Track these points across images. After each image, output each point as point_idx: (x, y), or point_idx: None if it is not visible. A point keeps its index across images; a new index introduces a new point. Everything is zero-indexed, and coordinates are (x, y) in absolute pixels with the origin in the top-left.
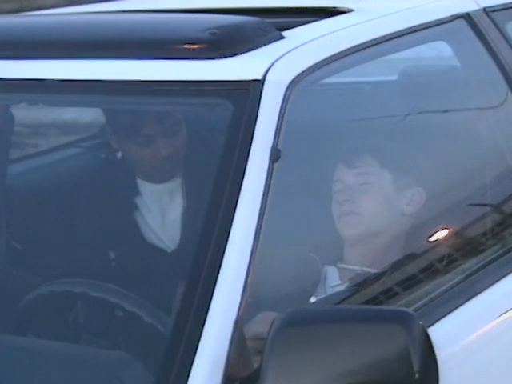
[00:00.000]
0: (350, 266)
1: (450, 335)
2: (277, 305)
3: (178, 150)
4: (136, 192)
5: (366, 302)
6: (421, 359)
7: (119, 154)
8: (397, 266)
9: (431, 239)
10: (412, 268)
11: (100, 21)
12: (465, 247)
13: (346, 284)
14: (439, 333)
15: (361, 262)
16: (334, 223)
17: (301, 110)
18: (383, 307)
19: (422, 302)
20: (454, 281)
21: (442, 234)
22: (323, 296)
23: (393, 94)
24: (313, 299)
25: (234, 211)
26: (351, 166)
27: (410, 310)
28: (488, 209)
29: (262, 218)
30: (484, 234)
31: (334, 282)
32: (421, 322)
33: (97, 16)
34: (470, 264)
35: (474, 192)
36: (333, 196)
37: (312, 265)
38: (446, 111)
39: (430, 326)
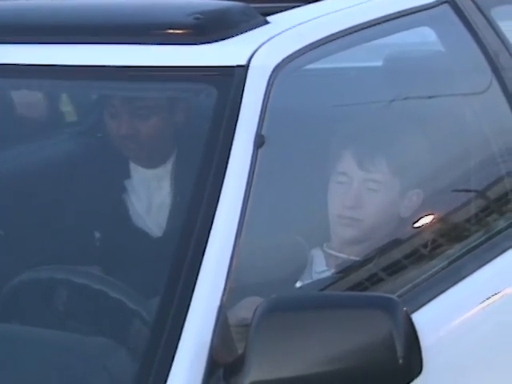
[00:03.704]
0: (337, 253)
1: (434, 321)
2: (262, 290)
3: (144, 135)
4: (127, 175)
5: (352, 288)
6: (404, 345)
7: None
8: (382, 252)
9: (415, 225)
10: (397, 254)
11: (80, 5)
12: (449, 233)
13: (332, 270)
14: (423, 319)
15: (348, 252)
16: (321, 207)
17: (285, 96)
18: (367, 293)
19: (406, 288)
20: (439, 266)
21: (426, 219)
22: (309, 281)
23: (378, 80)
24: (298, 284)
25: (219, 197)
26: (364, 168)
27: (393, 296)
28: (472, 194)
29: (247, 203)
30: (468, 220)
31: (321, 267)
32: (405, 308)
33: (77, 0)
34: (455, 250)
35: (459, 178)
36: (332, 184)
37: (299, 249)
38: (430, 97)
39: (413, 311)
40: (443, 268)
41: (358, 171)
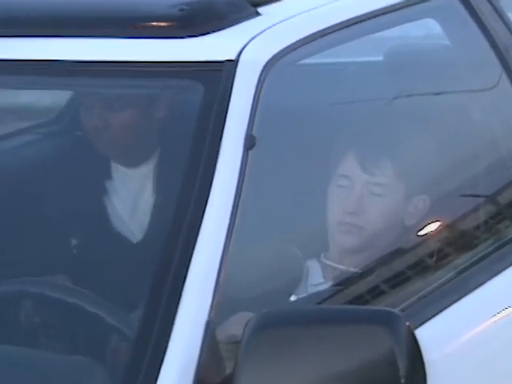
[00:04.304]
0: (335, 264)
1: (440, 337)
2: (253, 304)
3: (123, 132)
4: (107, 176)
5: (350, 302)
6: (407, 363)
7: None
8: (384, 262)
9: (420, 233)
10: (400, 264)
11: None
12: (456, 241)
13: (330, 282)
14: (427, 334)
15: (348, 263)
16: (318, 213)
17: (278, 93)
18: (366, 307)
19: (409, 301)
20: (445, 278)
21: (431, 227)
22: (304, 295)
23: (379, 76)
24: (293, 298)
25: (206, 202)
26: (367, 171)
27: (395, 310)
28: (481, 200)
29: (237, 210)
30: (477, 228)
31: (317, 279)
32: (407, 323)
33: None
34: (462, 260)
35: (466, 182)
36: (332, 188)
37: (293, 260)
38: (436, 95)
39: (417, 326)
40: (450, 279)
41: (360, 174)
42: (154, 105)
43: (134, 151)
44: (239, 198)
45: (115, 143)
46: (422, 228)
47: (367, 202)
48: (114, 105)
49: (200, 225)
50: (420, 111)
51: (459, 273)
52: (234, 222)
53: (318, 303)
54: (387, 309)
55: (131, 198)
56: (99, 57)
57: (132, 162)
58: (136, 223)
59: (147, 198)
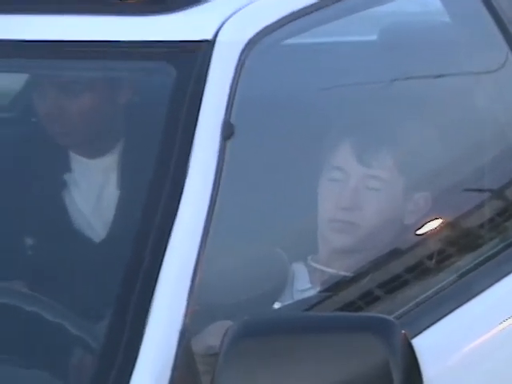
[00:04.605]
0: (324, 267)
1: (440, 347)
2: (232, 312)
3: (82, 119)
4: (67, 168)
5: (341, 309)
6: (403, 376)
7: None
8: (379, 265)
9: (420, 232)
10: (396, 267)
11: None
12: (459, 241)
13: (318, 288)
14: (426, 344)
15: (338, 266)
16: (306, 210)
17: (260, 77)
18: (358, 314)
19: (406, 307)
20: (446, 281)
21: (431, 225)
22: (290, 302)
23: (373, 58)
24: (277, 305)
25: (179, 198)
26: (364, 163)
27: (389, 317)
28: (486, 196)
29: (214, 206)
30: (482, 225)
31: (304, 284)
32: (403, 331)
33: None
34: (465, 261)
35: (470, 176)
36: (324, 182)
37: (277, 263)
38: (435, 77)
39: (414, 336)
40: (451, 283)
41: (356, 166)
42: (119, 89)
43: (95, 140)
44: (216, 193)
45: (73, 131)
46: (422, 227)
47: (363, 196)
48: (72, 89)
49: (172, 223)
50: (418, 96)
51: (462, 276)
52: (211, 219)
53: (305, 310)
54: (381, 315)
55: (94, 193)
56: (57, 36)
57: (94, 152)
58: (99, 221)
59: (112, 193)
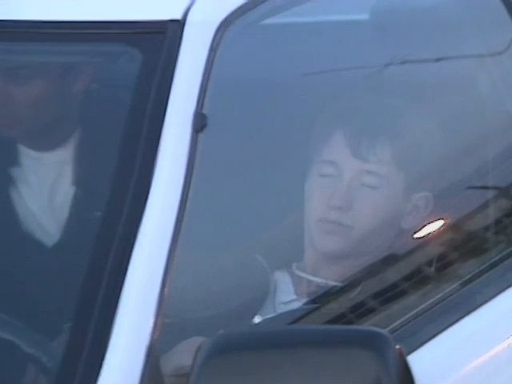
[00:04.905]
0: (311, 277)
1: (439, 364)
2: (206, 327)
3: (30, 107)
4: (14, 162)
5: (330, 323)
6: None
7: None
8: (373, 273)
9: (419, 237)
10: (392, 275)
11: None
12: (461, 245)
13: (304, 299)
14: (424, 360)
15: (327, 275)
16: (290, 211)
17: (236, 62)
18: (348, 327)
19: (402, 319)
20: (446, 291)
21: (430, 227)
22: (272, 315)
23: (364, 39)
24: (257, 319)
25: (146, 198)
26: (359, 157)
27: (383, 330)
28: (491, 194)
29: (184, 207)
30: (487, 228)
31: (288, 296)
32: (398, 346)
33: None
34: (468, 268)
35: (473, 172)
36: (313, 178)
37: (257, 271)
38: (436, 60)
39: (411, 351)
40: (452, 293)
41: (350, 159)
42: (75, 75)
43: (47, 132)
44: (187, 192)
45: (22, 122)
46: (421, 230)
47: (358, 195)
48: (20, 75)
49: (138, 225)
50: (418, 82)
51: (463, 285)
52: (181, 222)
53: (290, 324)
54: (373, 328)
55: (45, 191)
56: (2, 15)
57: (45, 144)
58: (52, 222)
59: (67, 190)
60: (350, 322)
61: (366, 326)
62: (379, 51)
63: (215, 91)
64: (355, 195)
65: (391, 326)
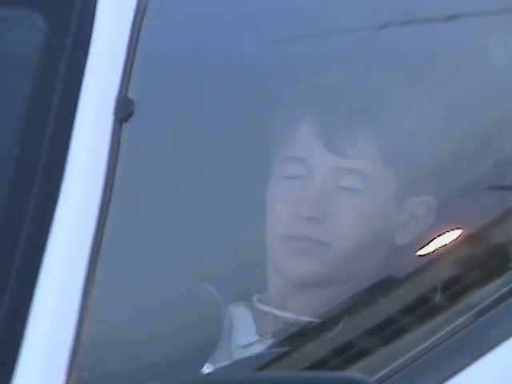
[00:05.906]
0: (276, 311)
1: None
2: (139, 381)
3: None
4: None
5: (303, 369)
6: None
7: None
8: (358, 305)
9: (414, 253)
10: (384, 307)
11: None
12: (473, 267)
13: (269, 340)
14: None
15: (298, 308)
16: (247, 227)
17: (171, 28)
18: (326, 373)
19: (395, 364)
20: (452, 326)
21: (432, 243)
22: (226, 362)
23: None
24: (207, 369)
25: (54, 206)
26: (335, 151)
27: (369, 378)
28: (510, 202)
29: (104, 221)
30: (503, 246)
31: (247, 337)
32: None
33: None
34: (481, 296)
35: (486, 169)
36: (276, 181)
37: (206, 306)
38: (435, 22)
39: None
40: (462, 328)
41: (324, 155)
42: None
43: None
44: (108, 201)
45: None
46: (421, 248)
47: (334, 201)
48: None
49: (44, 244)
50: (412, 54)
51: (476, 317)
52: (101, 240)
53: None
54: (357, 376)
55: None
56: None
57: None
58: None
59: None
60: (329, 369)
61: (349, 372)
62: (361, 8)
63: (144, 69)
64: (331, 202)
65: (381, 374)
